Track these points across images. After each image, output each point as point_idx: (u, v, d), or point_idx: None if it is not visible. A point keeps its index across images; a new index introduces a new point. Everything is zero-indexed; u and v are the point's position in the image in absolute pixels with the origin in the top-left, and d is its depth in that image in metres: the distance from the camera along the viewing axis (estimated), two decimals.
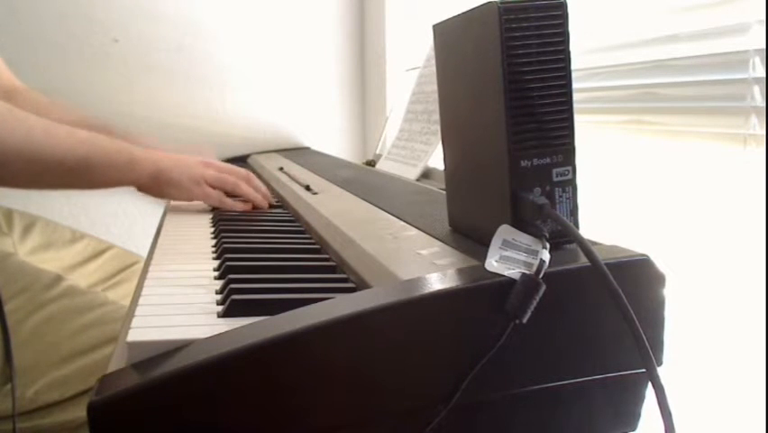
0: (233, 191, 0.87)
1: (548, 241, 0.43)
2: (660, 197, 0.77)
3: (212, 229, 0.75)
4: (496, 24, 0.44)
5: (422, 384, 0.40)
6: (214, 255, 0.63)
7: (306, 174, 1.06)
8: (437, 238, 0.55)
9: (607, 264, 0.40)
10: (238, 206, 0.86)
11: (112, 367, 0.38)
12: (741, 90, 0.65)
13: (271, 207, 0.89)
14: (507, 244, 0.43)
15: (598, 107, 0.88)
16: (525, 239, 0.44)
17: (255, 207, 0.87)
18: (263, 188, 0.91)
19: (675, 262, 0.58)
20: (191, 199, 0.85)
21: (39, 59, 1.45)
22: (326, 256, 0.61)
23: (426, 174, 1.00)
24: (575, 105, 0.46)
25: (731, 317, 0.65)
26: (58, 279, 0.89)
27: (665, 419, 0.37)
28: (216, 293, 0.50)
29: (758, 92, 0.63)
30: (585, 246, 0.41)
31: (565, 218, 0.46)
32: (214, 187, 0.86)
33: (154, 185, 0.81)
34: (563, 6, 0.45)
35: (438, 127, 0.63)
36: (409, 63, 1.45)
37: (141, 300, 0.47)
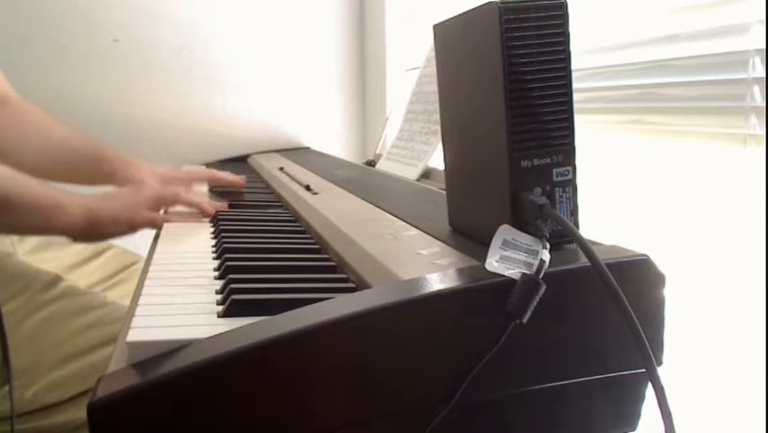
0: (174, 203, 0.82)
1: (548, 241, 0.43)
2: (660, 196, 0.76)
3: (212, 229, 0.75)
4: (496, 24, 0.44)
5: (422, 384, 0.40)
6: (215, 255, 0.63)
7: (306, 174, 1.06)
8: (437, 238, 0.55)
9: (607, 264, 0.40)
10: (184, 217, 0.80)
11: (112, 367, 0.38)
12: (741, 90, 0.65)
13: (219, 211, 0.82)
14: (507, 244, 0.43)
15: (598, 107, 0.88)
16: (525, 239, 0.44)
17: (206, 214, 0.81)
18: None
19: (675, 262, 0.58)
20: (134, 231, 0.78)
21: (39, 59, 1.45)
22: (326, 256, 0.61)
23: (426, 174, 1.00)
24: (575, 105, 0.46)
25: (731, 317, 0.65)
26: (57, 279, 0.89)
27: (665, 419, 0.37)
28: (216, 293, 0.50)
29: (758, 92, 0.63)
30: (585, 246, 0.41)
31: (565, 218, 0.46)
32: (158, 208, 0.80)
33: (89, 228, 0.74)
34: (564, 6, 0.45)
35: (438, 127, 0.63)
36: (409, 63, 1.45)
37: (141, 300, 0.47)
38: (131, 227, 0.77)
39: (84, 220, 0.73)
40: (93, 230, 0.75)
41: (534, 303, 0.39)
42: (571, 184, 0.47)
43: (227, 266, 0.56)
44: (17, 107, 1.00)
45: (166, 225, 0.77)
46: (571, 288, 0.42)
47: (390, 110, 1.46)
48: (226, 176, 0.86)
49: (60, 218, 0.72)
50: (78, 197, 0.75)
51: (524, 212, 0.45)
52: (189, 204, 0.82)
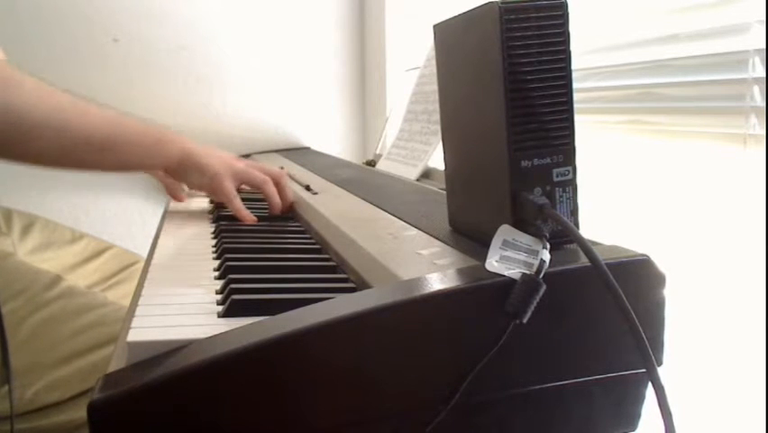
0: (258, 188, 0.82)
1: (548, 241, 0.43)
2: (660, 197, 0.76)
3: (212, 229, 0.75)
4: (496, 24, 0.44)
5: (422, 384, 0.40)
6: (215, 255, 0.63)
7: (306, 174, 1.06)
8: (437, 238, 0.55)
9: (607, 264, 0.40)
10: (244, 214, 0.79)
11: (112, 367, 0.38)
12: (741, 90, 0.65)
13: (283, 213, 0.83)
14: (507, 244, 0.43)
15: (598, 107, 0.88)
16: (525, 239, 0.44)
17: (272, 212, 0.82)
18: (290, 195, 0.85)
19: (675, 262, 0.58)
20: (211, 189, 0.79)
21: (39, 59, 1.45)
22: (327, 256, 0.61)
23: (426, 174, 1.00)
24: (575, 105, 0.46)
25: (731, 317, 0.65)
26: (57, 279, 0.89)
27: (665, 419, 0.37)
28: (216, 293, 0.50)
29: (758, 92, 0.63)
30: (585, 246, 0.41)
31: (565, 218, 0.46)
32: (241, 181, 0.81)
33: (180, 168, 0.77)
34: (564, 6, 0.45)
35: (438, 127, 0.63)
36: (409, 63, 1.45)
37: (141, 300, 0.47)
38: (211, 186, 0.78)
39: (179, 159, 0.76)
40: (181, 170, 0.77)
41: (534, 303, 0.39)
42: (571, 184, 0.47)
43: (227, 266, 0.56)
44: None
45: (166, 225, 0.77)
46: (571, 288, 0.42)
47: (390, 110, 1.46)
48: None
49: (161, 153, 0.75)
50: (181, 136, 0.78)
51: (524, 212, 0.45)
52: (269, 196, 0.82)
